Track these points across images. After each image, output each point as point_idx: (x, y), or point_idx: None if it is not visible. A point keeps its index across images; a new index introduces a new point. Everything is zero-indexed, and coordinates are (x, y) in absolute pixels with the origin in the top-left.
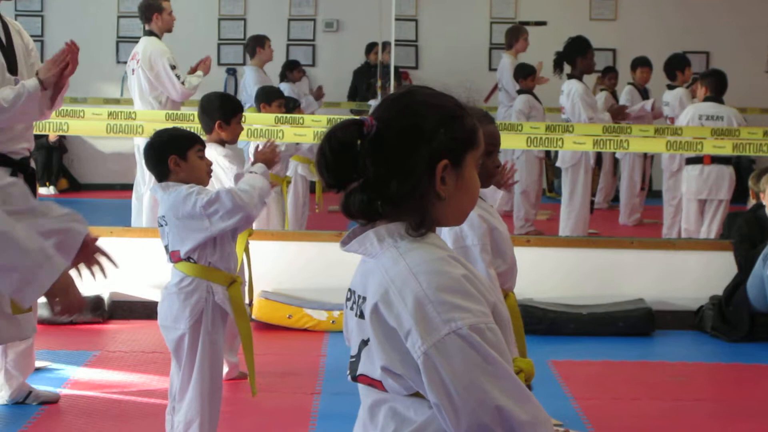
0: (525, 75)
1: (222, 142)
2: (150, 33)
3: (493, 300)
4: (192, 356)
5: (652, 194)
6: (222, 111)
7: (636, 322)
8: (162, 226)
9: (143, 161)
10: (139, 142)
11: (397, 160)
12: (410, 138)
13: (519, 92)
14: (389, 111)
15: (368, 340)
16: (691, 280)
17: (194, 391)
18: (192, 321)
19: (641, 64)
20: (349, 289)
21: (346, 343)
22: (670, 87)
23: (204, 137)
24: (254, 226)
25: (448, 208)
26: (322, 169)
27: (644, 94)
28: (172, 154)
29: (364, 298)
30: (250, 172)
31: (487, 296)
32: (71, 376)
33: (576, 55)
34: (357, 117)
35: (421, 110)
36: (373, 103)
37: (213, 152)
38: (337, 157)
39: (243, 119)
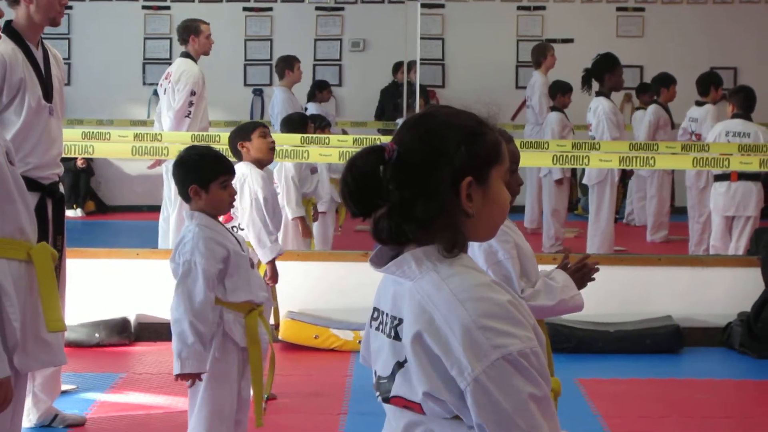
0: (563, 92)
1: (258, 163)
2: (186, 55)
3: (533, 322)
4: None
5: (675, 210)
6: (241, 131)
7: (664, 340)
8: None
9: (170, 183)
10: (167, 164)
11: (421, 182)
12: (431, 159)
13: (552, 109)
14: (409, 134)
15: (404, 361)
16: (719, 297)
17: (197, 417)
18: None
19: (667, 80)
20: (375, 308)
21: (361, 360)
22: (699, 103)
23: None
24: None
25: (479, 223)
26: (346, 198)
27: (670, 112)
28: (194, 184)
29: (400, 320)
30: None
31: (529, 320)
32: (97, 399)
33: (604, 72)
34: (377, 144)
35: (440, 130)
36: (400, 122)
37: (245, 170)
38: (360, 186)
39: (265, 134)
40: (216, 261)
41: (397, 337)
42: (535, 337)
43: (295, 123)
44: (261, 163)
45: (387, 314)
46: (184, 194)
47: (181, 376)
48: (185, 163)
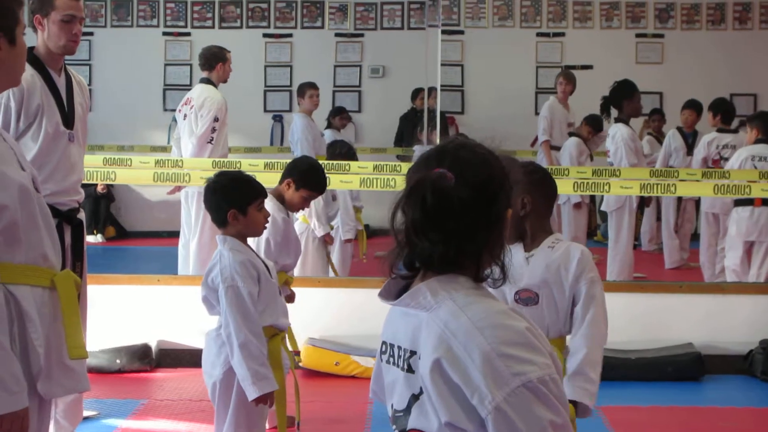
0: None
1: (282, 199)
2: (207, 81)
3: (549, 349)
4: (223, 404)
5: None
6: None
7: (685, 367)
8: None
9: (190, 209)
10: (187, 190)
11: (484, 210)
12: (493, 190)
13: (570, 135)
14: (460, 164)
15: (419, 394)
16: (740, 324)
17: None
18: (225, 368)
19: (688, 107)
20: (384, 342)
21: (371, 395)
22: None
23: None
24: (295, 272)
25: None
26: (421, 222)
27: (688, 138)
28: (232, 208)
29: (412, 352)
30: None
31: (546, 346)
32: (119, 426)
33: (623, 99)
34: (440, 170)
35: (490, 162)
36: (418, 149)
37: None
38: (442, 206)
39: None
40: (254, 283)
41: (410, 370)
42: (554, 364)
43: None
44: (289, 207)
45: (398, 347)
46: (221, 219)
47: (261, 399)
48: (222, 189)
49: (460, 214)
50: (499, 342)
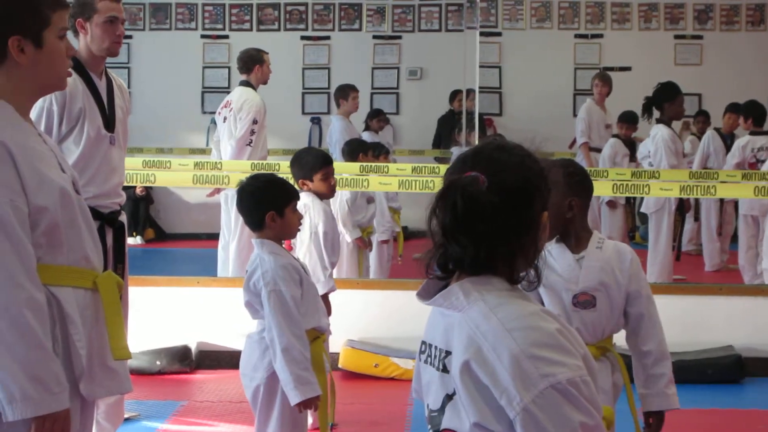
0: (629, 122)
1: (319, 195)
2: (246, 83)
3: (583, 351)
4: (266, 408)
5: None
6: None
7: (725, 369)
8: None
9: (229, 211)
10: (226, 192)
11: (517, 214)
12: (527, 192)
13: (614, 136)
14: (494, 166)
15: (453, 394)
16: None
17: None
18: (269, 372)
19: (730, 110)
20: (423, 342)
21: (414, 394)
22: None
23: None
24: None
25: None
26: (452, 225)
27: (727, 141)
28: (270, 210)
29: (447, 353)
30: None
31: (579, 349)
32: (159, 427)
33: (664, 101)
34: (472, 173)
35: (525, 164)
36: (455, 150)
37: (307, 200)
38: (470, 210)
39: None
40: (296, 286)
41: (445, 370)
42: (587, 365)
43: (354, 149)
44: (322, 196)
45: (435, 347)
46: (257, 222)
47: (304, 403)
48: (258, 191)
49: (491, 218)
50: (528, 344)
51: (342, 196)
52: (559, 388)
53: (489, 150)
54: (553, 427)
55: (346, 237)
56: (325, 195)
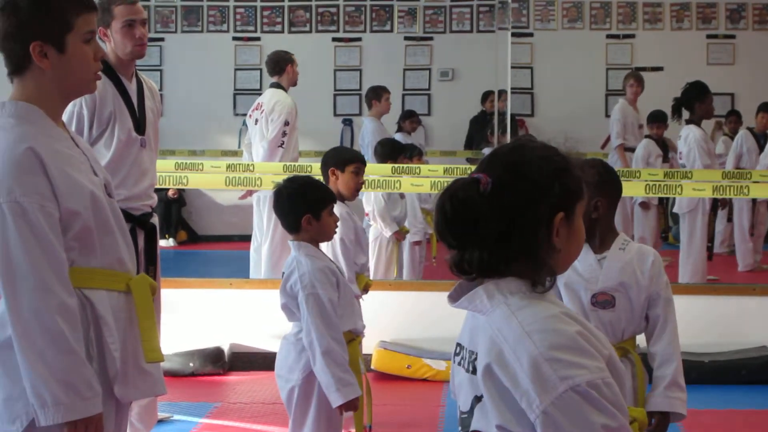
0: (659, 122)
1: (340, 197)
2: (277, 85)
3: (607, 353)
4: (301, 410)
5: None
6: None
7: (760, 370)
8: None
9: (261, 213)
10: (258, 194)
11: (519, 216)
12: (530, 193)
13: (646, 136)
14: (503, 167)
15: (481, 396)
16: None
17: None
18: (305, 373)
19: (763, 109)
20: (458, 344)
21: (452, 396)
22: None
23: None
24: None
25: (560, 258)
26: (442, 227)
27: (760, 140)
28: (307, 213)
29: (476, 354)
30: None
31: (602, 350)
32: (192, 429)
33: (694, 101)
34: (474, 175)
35: (535, 165)
36: (487, 151)
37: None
38: (460, 215)
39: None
40: (333, 289)
41: (474, 372)
42: (612, 367)
43: (387, 149)
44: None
45: (466, 349)
46: (294, 225)
47: (346, 405)
48: (295, 194)
49: (486, 220)
50: (547, 346)
51: (376, 192)
52: (578, 390)
53: (504, 150)
54: (575, 430)
55: (385, 232)
56: (348, 195)
